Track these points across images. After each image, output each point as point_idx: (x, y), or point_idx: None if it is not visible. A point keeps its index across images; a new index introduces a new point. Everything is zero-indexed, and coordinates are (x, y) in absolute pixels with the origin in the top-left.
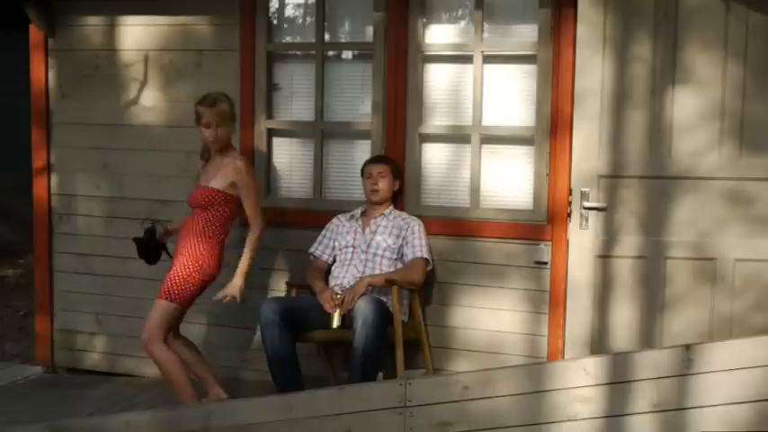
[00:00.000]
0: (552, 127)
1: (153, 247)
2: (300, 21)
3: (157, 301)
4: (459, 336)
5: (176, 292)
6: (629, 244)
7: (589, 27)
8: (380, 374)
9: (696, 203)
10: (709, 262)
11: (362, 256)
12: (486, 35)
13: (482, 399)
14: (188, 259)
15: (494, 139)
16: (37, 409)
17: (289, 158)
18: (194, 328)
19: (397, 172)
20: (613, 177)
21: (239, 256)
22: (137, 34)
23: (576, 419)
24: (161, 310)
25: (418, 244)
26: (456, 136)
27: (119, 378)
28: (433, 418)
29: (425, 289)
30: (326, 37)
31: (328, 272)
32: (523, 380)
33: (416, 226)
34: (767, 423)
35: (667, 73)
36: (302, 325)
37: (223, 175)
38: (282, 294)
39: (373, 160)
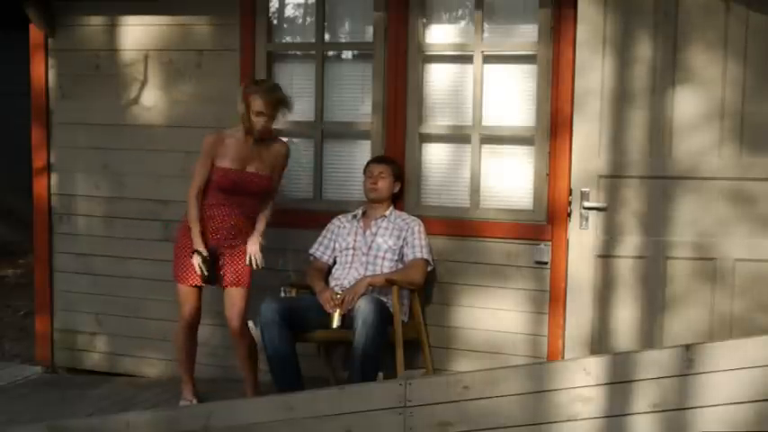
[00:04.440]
0: (552, 127)
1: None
2: (300, 21)
3: (239, 290)
4: (460, 336)
5: (250, 275)
6: (629, 244)
7: (589, 27)
8: (380, 374)
9: (696, 203)
10: (709, 262)
11: (363, 259)
12: (486, 35)
13: (482, 399)
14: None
15: (494, 139)
16: (37, 409)
17: (289, 158)
18: None
19: (399, 174)
20: (613, 177)
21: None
22: (137, 34)
23: (577, 419)
24: (247, 297)
25: (418, 244)
26: (456, 136)
27: (119, 378)
28: (433, 418)
29: (426, 289)
30: (326, 37)
31: (328, 272)
32: (524, 380)
33: (416, 226)
34: (767, 423)
35: (667, 73)
36: (302, 325)
37: (271, 164)
38: (283, 294)
39: (376, 160)
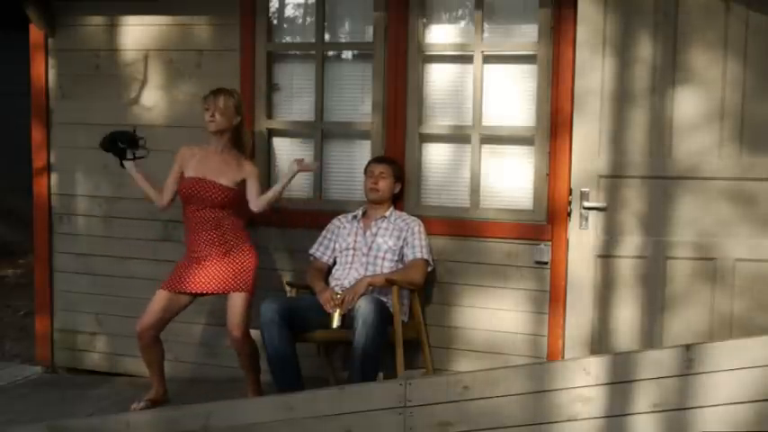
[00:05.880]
0: (552, 127)
1: (121, 148)
2: (300, 21)
3: (236, 294)
4: (460, 336)
5: (250, 281)
6: (629, 244)
7: (589, 27)
8: (380, 374)
9: (696, 203)
10: (709, 262)
11: (363, 259)
12: (486, 35)
13: (482, 399)
14: (247, 249)
15: (494, 138)
16: (37, 409)
17: (289, 158)
18: (195, 328)
19: (400, 174)
20: (613, 177)
21: None
22: (137, 34)
23: (577, 419)
24: (246, 302)
25: (418, 245)
26: (456, 136)
27: (119, 378)
28: (433, 418)
29: (426, 289)
30: (326, 37)
31: (329, 272)
32: (524, 380)
33: (416, 227)
34: (767, 423)
35: (667, 73)
36: (302, 325)
37: (235, 178)
38: (283, 294)
39: (377, 160)
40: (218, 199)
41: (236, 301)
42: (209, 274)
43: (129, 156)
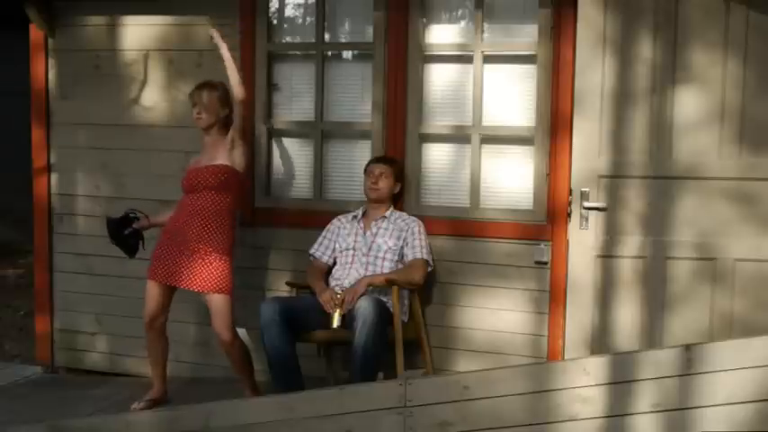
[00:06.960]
0: (552, 127)
1: (128, 235)
2: (300, 21)
3: (215, 296)
4: (460, 336)
5: (227, 282)
6: (629, 244)
7: (589, 27)
8: (380, 374)
9: (696, 203)
10: (709, 262)
11: (363, 259)
12: (486, 35)
13: (482, 399)
14: (220, 246)
15: (494, 138)
16: (37, 409)
17: (289, 158)
18: (192, 327)
19: (400, 174)
20: (613, 177)
21: None
22: (137, 34)
23: (577, 419)
24: (228, 304)
25: (418, 245)
26: (456, 136)
27: (119, 378)
28: (433, 418)
29: (426, 289)
30: (326, 37)
31: (329, 272)
32: (524, 380)
33: (416, 227)
34: (767, 423)
35: (668, 72)
36: (302, 325)
37: (227, 152)
38: (283, 294)
39: (377, 159)
40: (214, 178)
41: (221, 304)
42: (190, 271)
43: (133, 239)
